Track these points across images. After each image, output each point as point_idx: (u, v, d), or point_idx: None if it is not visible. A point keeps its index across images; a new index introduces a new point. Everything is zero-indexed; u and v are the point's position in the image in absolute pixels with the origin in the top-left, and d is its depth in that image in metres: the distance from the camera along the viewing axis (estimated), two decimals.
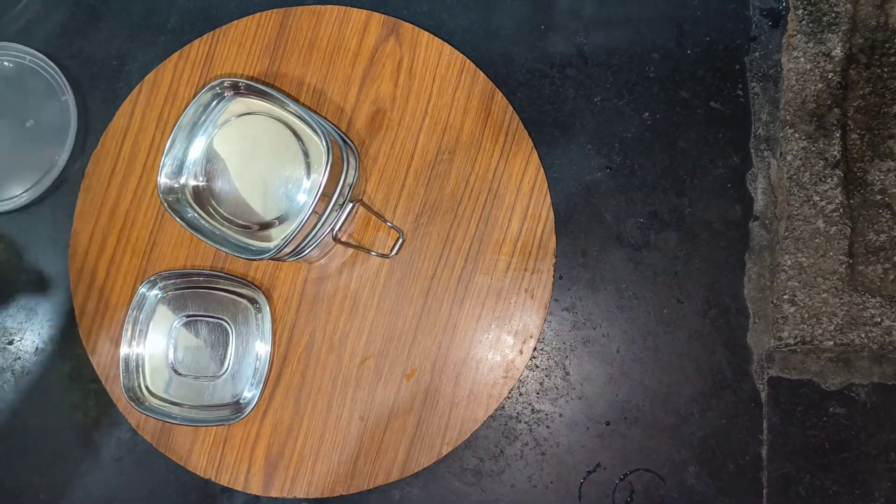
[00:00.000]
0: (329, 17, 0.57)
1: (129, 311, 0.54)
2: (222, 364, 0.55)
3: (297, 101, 0.54)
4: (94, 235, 0.58)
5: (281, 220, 0.50)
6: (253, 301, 0.55)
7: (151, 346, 0.55)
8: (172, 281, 0.55)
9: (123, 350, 0.54)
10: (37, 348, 0.59)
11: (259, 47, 0.58)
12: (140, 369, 0.55)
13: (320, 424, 0.54)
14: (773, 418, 0.53)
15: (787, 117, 0.55)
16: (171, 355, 0.55)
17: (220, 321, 0.55)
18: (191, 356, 0.55)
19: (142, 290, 0.55)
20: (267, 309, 0.54)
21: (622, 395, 0.54)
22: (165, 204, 0.50)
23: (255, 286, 0.55)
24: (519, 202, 0.54)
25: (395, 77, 0.56)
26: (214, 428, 0.55)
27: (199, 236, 0.50)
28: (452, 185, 0.55)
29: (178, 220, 0.50)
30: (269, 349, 0.54)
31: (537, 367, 0.55)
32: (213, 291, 0.55)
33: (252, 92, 0.51)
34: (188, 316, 0.55)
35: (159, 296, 0.55)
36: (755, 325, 0.54)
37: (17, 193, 0.59)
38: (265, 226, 0.51)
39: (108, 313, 0.57)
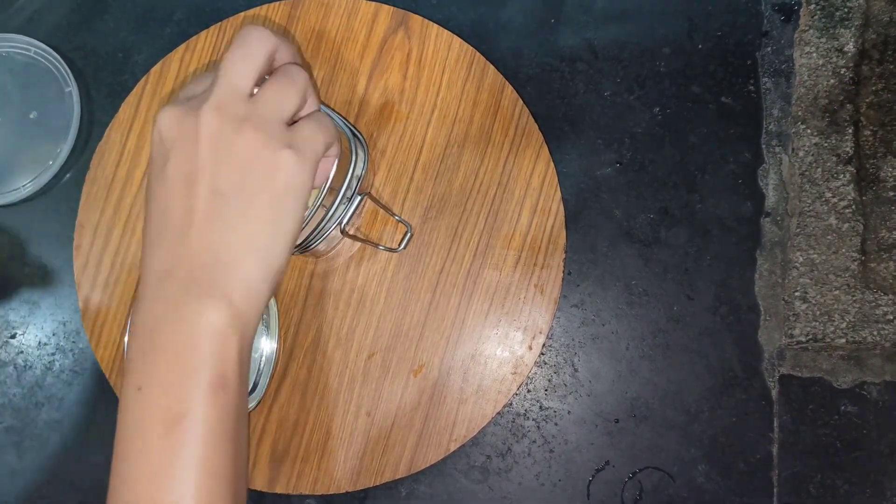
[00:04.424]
0: (337, 8, 0.57)
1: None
2: None
3: None
4: (99, 228, 0.57)
5: None
6: None
7: None
8: None
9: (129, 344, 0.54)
10: (40, 342, 0.59)
11: None
12: None
13: (326, 420, 0.54)
14: (783, 416, 0.53)
15: (799, 113, 0.55)
16: None
17: None
18: None
19: None
20: (273, 303, 0.54)
21: (631, 392, 0.54)
22: None
23: None
24: (529, 197, 0.54)
25: (404, 69, 0.56)
26: None
27: None
28: (461, 179, 0.55)
29: None
30: (275, 344, 0.54)
31: (546, 363, 0.55)
32: None
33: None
34: None
35: None
36: (766, 323, 0.54)
37: (21, 185, 0.59)
38: None
39: (113, 307, 0.56)
